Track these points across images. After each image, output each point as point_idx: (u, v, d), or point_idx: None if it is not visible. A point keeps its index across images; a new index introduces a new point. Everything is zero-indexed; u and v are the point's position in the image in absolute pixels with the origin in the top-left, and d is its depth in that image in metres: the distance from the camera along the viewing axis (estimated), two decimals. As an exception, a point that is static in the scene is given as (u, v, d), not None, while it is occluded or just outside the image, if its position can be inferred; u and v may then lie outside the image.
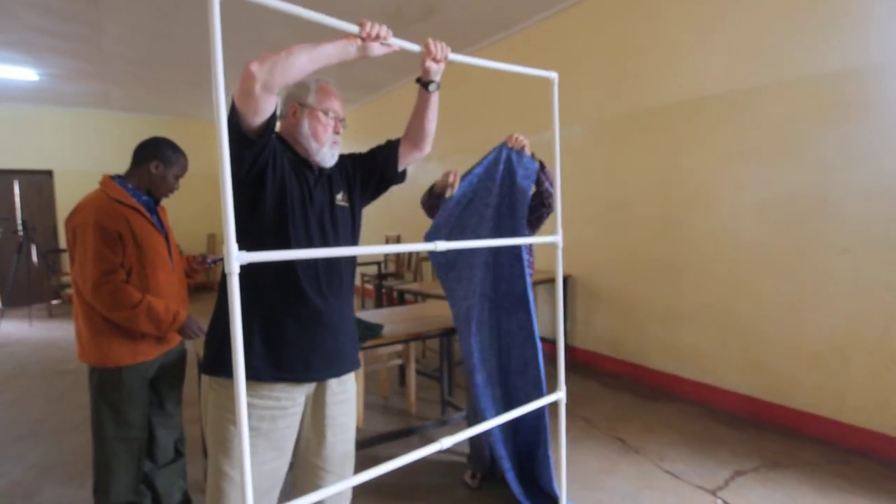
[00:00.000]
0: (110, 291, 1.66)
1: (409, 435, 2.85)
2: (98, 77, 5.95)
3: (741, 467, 2.49)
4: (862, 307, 2.58)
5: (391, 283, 5.61)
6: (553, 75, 1.53)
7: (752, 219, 3.01)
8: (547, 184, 2.18)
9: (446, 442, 1.28)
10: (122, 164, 1.90)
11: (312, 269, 1.32)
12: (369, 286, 6.49)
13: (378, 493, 2.30)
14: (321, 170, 1.43)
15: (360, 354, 3.08)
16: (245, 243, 1.14)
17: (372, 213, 9.18)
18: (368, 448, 2.70)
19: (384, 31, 1.23)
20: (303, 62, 1.18)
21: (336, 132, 1.41)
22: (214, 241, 8.78)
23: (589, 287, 4.14)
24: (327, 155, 1.40)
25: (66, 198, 7.59)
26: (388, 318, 2.70)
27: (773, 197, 2.91)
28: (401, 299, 4.03)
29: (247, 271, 1.20)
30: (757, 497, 2.24)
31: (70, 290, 5.51)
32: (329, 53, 1.24)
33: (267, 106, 1.17)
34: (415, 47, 1.30)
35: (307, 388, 1.36)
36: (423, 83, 1.50)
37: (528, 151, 2.11)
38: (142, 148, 1.85)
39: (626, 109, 3.74)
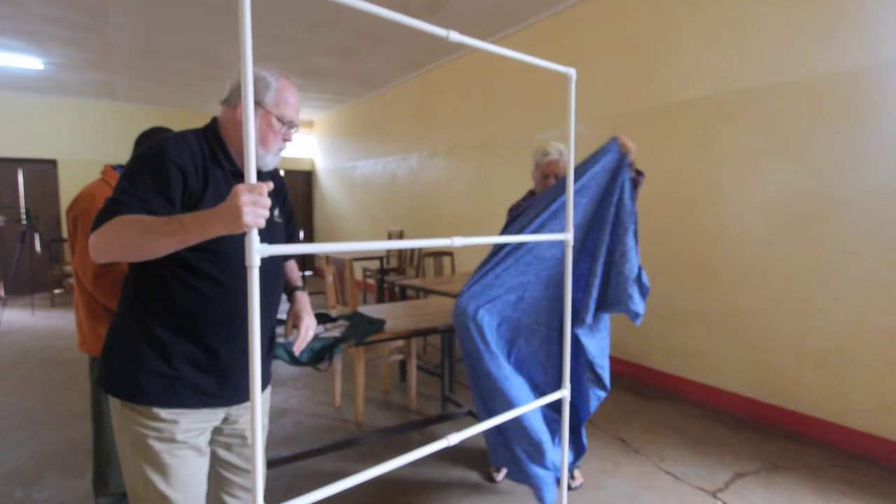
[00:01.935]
0: (111, 282, 1.66)
1: (410, 430, 2.85)
2: (103, 67, 5.94)
3: (742, 469, 2.48)
4: (868, 309, 2.56)
5: (393, 278, 5.60)
6: (571, 71, 1.49)
7: (759, 219, 2.99)
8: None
9: (454, 438, 1.26)
10: (125, 155, 1.88)
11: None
12: (371, 281, 6.49)
13: (385, 490, 2.29)
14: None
15: (362, 349, 3.09)
16: (176, 266, 1.12)
17: (375, 209, 9.19)
18: (368, 443, 2.70)
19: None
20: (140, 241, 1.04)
21: (286, 140, 1.30)
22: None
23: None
24: (271, 162, 1.29)
25: (70, 187, 7.59)
26: (389, 314, 2.70)
27: (780, 197, 2.89)
28: (403, 295, 4.03)
29: (173, 287, 1.15)
30: (757, 500, 2.22)
31: (72, 280, 5.52)
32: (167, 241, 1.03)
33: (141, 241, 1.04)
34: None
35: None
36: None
37: (631, 157, 2.01)
38: (143, 138, 1.84)
39: (631, 108, 3.71)
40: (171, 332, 1.17)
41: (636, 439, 2.81)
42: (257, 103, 1.21)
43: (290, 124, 1.28)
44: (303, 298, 1.45)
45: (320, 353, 1.99)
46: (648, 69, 3.58)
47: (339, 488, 0.98)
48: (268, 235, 1.23)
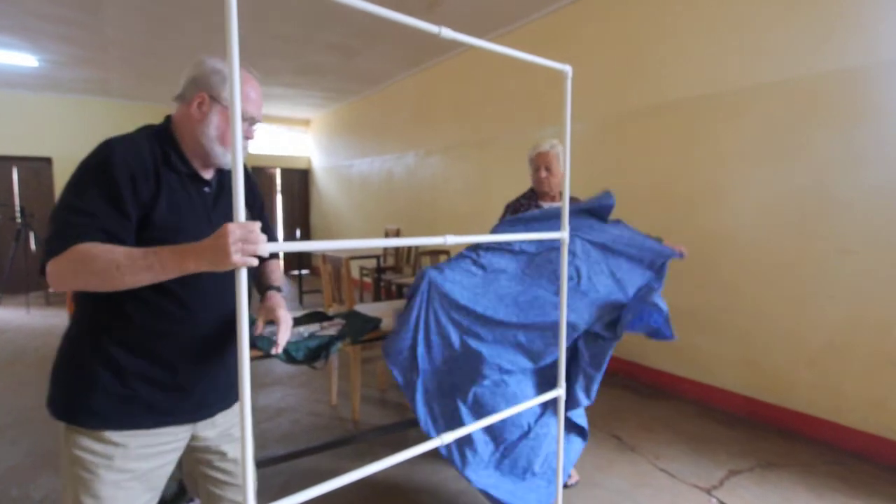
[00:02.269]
0: None
1: (406, 428, 2.86)
2: (98, 64, 5.91)
3: (736, 467, 2.49)
4: (861, 308, 2.58)
5: (390, 276, 5.60)
6: (567, 68, 1.48)
7: (754, 217, 3.00)
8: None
9: (447, 437, 1.26)
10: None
11: (212, 297, 1.17)
12: (368, 280, 6.48)
13: (379, 487, 2.30)
14: (220, 184, 1.24)
15: (357, 347, 3.09)
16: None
17: (372, 207, 9.16)
18: (365, 441, 2.70)
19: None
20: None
21: (248, 137, 1.21)
22: (213, 231, 8.76)
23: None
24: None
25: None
26: (386, 312, 2.70)
27: (775, 196, 2.90)
28: (399, 293, 4.02)
29: (131, 303, 1.06)
30: (751, 497, 2.24)
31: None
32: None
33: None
34: None
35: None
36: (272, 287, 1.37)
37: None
38: None
39: (628, 107, 3.71)
40: (127, 350, 1.10)
41: (631, 437, 2.82)
42: (214, 98, 1.14)
43: (251, 120, 1.20)
44: (277, 296, 1.34)
45: (316, 352, 1.99)
46: (646, 67, 3.58)
47: (334, 485, 0.98)
48: None
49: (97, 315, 1.12)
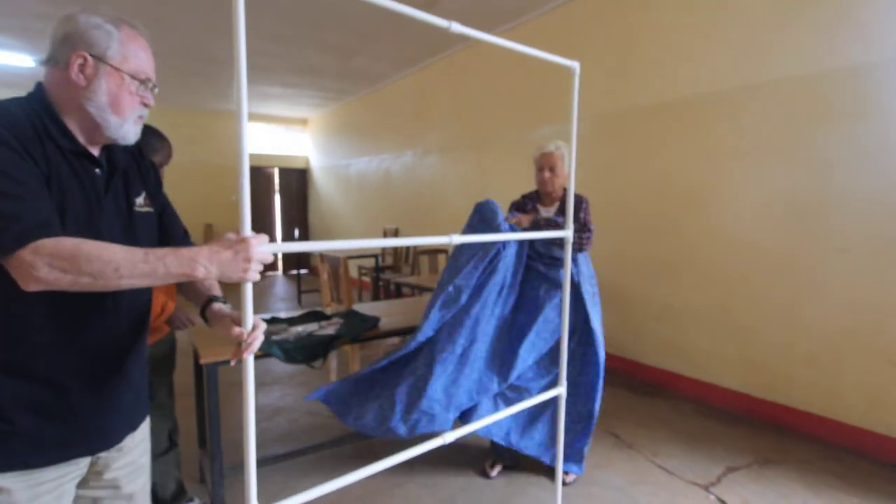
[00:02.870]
0: None
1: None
2: (95, 64, 5.90)
3: (734, 464, 2.50)
4: (857, 306, 2.59)
5: (388, 276, 5.61)
6: (574, 64, 1.46)
7: (751, 217, 3.01)
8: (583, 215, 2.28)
9: (449, 437, 1.26)
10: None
11: (111, 302, 0.97)
12: (366, 279, 6.49)
13: (379, 486, 2.30)
14: (112, 164, 1.03)
15: (356, 346, 3.08)
16: (3, 279, 0.82)
17: (370, 207, 9.15)
18: (364, 441, 2.70)
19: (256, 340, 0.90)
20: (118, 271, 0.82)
21: (145, 104, 1.02)
22: (212, 231, 8.75)
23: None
24: (130, 132, 1.00)
25: (63, 186, 7.53)
26: (384, 311, 2.70)
27: (772, 195, 2.91)
28: (398, 292, 4.03)
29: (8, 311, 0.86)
30: (749, 493, 2.25)
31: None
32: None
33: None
34: None
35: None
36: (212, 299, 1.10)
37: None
38: None
39: (625, 106, 3.72)
40: None
41: (629, 434, 2.83)
42: (98, 57, 0.94)
43: (146, 82, 1.01)
44: (226, 308, 1.07)
45: (315, 351, 2.00)
46: (645, 66, 3.59)
47: (335, 486, 0.98)
48: (122, 229, 1.01)
49: None
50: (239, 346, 0.90)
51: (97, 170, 0.99)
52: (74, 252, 0.80)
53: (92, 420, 0.98)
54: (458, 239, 1.18)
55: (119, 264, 0.81)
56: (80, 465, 1.00)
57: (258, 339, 0.90)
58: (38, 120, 0.91)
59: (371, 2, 0.94)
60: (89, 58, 0.93)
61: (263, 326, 0.93)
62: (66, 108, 0.94)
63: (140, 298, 1.07)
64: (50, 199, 0.87)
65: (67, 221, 0.89)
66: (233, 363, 0.95)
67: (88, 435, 0.98)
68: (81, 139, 0.96)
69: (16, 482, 0.89)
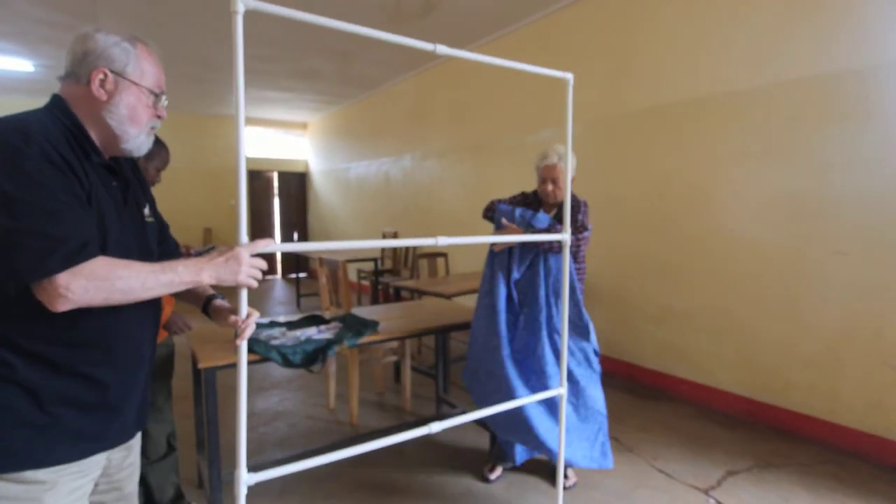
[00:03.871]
0: None
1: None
2: (94, 69, 5.91)
3: (734, 467, 2.50)
4: (856, 309, 2.59)
5: (387, 279, 5.60)
6: (568, 76, 1.51)
7: (749, 219, 3.02)
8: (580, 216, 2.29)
9: (435, 426, 1.29)
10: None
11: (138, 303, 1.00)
12: (365, 283, 6.48)
13: (378, 492, 2.29)
14: (124, 175, 1.09)
15: (355, 351, 3.08)
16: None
17: (369, 210, 9.14)
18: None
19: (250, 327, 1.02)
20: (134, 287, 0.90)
21: (159, 116, 1.07)
22: (211, 235, 8.75)
23: (584, 285, 4.14)
24: (144, 144, 1.06)
25: (62, 190, 7.52)
26: (383, 315, 2.70)
27: (770, 197, 2.91)
28: (397, 296, 4.02)
29: (45, 312, 0.87)
30: (749, 497, 2.24)
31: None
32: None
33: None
34: None
35: None
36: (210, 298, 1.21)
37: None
38: None
39: (623, 109, 3.73)
40: (41, 369, 0.92)
41: (629, 438, 2.82)
42: (118, 73, 0.99)
43: (160, 96, 1.07)
44: (223, 302, 1.21)
45: (313, 355, 1.99)
46: (641, 70, 3.60)
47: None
48: (140, 240, 1.07)
49: (1, 328, 0.91)
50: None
51: (115, 182, 1.05)
52: (108, 273, 0.87)
53: (122, 414, 1.04)
54: (444, 241, 1.23)
55: (145, 279, 0.90)
56: (100, 466, 1.05)
57: (251, 327, 1.01)
58: (70, 134, 0.95)
59: (355, 31, 0.98)
60: (109, 73, 0.99)
61: (257, 315, 1.03)
62: (87, 121, 1.00)
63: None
64: (90, 216, 0.91)
65: (108, 237, 0.95)
66: (238, 342, 1.02)
67: (117, 428, 1.04)
68: (105, 154, 1.04)
69: (58, 476, 0.94)
